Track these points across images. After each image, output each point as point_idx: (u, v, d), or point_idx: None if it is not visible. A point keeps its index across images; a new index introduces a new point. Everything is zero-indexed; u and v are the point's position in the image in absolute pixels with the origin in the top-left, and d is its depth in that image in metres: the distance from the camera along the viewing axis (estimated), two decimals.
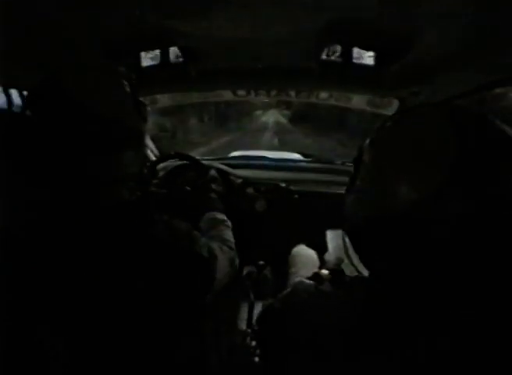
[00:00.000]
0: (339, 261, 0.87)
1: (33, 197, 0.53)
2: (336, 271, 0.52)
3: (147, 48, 0.94)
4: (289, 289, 0.56)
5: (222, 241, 0.74)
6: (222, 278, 0.67)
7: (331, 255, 0.93)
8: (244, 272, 1.40)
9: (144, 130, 0.64)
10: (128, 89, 0.60)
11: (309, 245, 1.09)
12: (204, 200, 0.93)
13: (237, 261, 0.76)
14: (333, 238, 0.98)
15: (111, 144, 0.56)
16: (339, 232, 0.97)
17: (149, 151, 1.75)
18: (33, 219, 0.52)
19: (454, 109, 0.39)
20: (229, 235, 0.79)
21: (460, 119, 0.37)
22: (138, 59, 0.94)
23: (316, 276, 0.75)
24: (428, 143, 0.37)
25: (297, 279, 0.81)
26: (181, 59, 0.97)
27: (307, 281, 0.56)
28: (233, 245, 0.77)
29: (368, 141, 0.44)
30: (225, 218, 0.86)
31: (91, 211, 0.54)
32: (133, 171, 0.62)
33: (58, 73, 0.56)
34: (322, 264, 0.96)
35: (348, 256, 0.52)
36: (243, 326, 1.21)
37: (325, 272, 0.79)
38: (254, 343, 1.06)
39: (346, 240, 0.51)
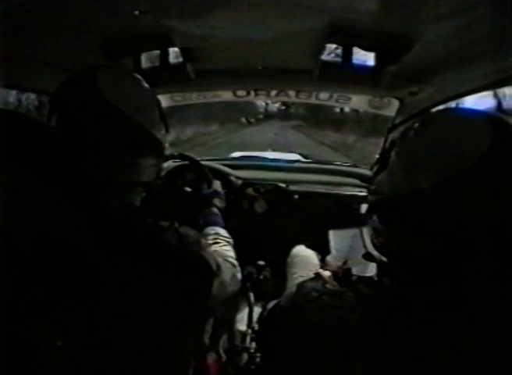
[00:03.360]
0: (342, 262, 0.87)
1: (46, 198, 0.52)
2: (344, 270, 0.52)
3: (147, 49, 0.94)
4: (292, 289, 0.56)
5: (225, 257, 0.74)
6: (224, 292, 0.67)
7: (334, 257, 0.93)
8: (244, 272, 1.39)
9: (166, 139, 0.65)
10: (155, 96, 0.62)
11: (309, 246, 1.09)
12: (207, 214, 0.93)
13: (239, 278, 0.76)
14: (336, 239, 0.98)
15: (135, 148, 0.57)
16: (343, 233, 0.97)
17: None
18: (45, 219, 0.52)
19: (490, 115, 0.43)
20: (231, 251, 0.80)
21: (495, 119, 0.41)
22: (138, 60, 0.95)
23: (318, 277, 0.75)
24: (461, 137, 0.40)
25: (299, 279, 0.81)
26: (181, 60, 0.97)
27: (310, 282, 0.56)
28: (236, 262, 0.77)
29: (401, 134, 0.48)
30: (228, 234, 0.86)
31: (101, 214, 0.54)
32: (149, 178, 0.62)
33: (91, 74, 0.56)
34: (323, 265, 0.96)
35: (365, 247, 0.53)
36: (242, 327, 1.21)
37: (326, 273, 0.79)
38: (253, 344, 1.06)
39: (364, 235, 0.52)
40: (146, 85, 0.63)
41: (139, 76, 0.64)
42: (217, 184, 1.06)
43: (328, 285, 0.49)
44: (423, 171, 0.41)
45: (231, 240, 0.85)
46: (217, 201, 0.98)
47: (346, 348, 0.40)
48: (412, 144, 0.45)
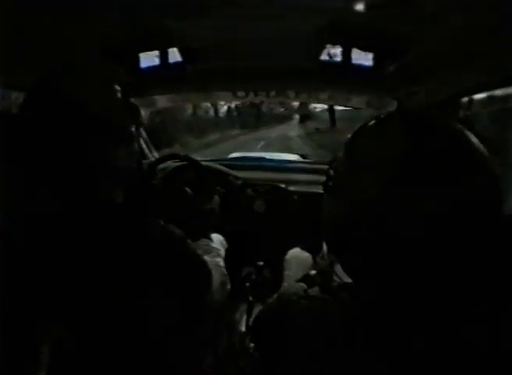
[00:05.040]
0: (332, 262, 0.87)
1: (29, 197, 0.52)
2: (324, 273, 0.52)
3: (146, 49, 0.94)
4: (279, 293, 0.56)
5: (215, 266, 0.75)
6: (212, 299, 0.67)
7: (324, 256, 0.93)
8: (243, 273, 1.39)
9: (134, 130, 0.65)
10: (117, 88, 0.62)
11: (305, 248, 1.09)
12: (203, 229, 0.94)
13: (228, 287, 0.77)
14: None
15: (99, 142, 0.57)
16: None
17: (148, 153, 1.75)
18: (32, 218, 0.52)
19: (408, 115, 0.43)
20: (221, 262, 0.82)
21: (413, 122, 0.40)
22: (137, 60, 0.94)
23: (306, 278, 0.75)
24: (383, 147, 0.40)
25: (287, 282, 0.81)
26: (180, 60, 0.97)
27: (297, 285, 0.56)
28: (226, 272, 0.78)
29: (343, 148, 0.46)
30: (218, 246, 0.89)
31: (86, 211, 0.54)
32: (126, 170, 0.62)
33: (52, 73, 0.57)
34: (314, 264, 0.96)
35: None
36: (241, 327, 1.21)
37: (313, 272, 0.79)
38: (252, 344, 1.06)
39: None
40: (107, 77, 0.63)
41: (103, 71, 0.64)
42: (216, 202, 1.06)
43: (310, 291, 0.49)
44: (358, 178, 0.41)
45: (222, 251, 0.87)
46: (213, 219, 1.00)
47: (327, 352, 0.40)
48: (352, 148, 0.44)
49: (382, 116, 0.46)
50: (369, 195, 0.38)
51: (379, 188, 0.38)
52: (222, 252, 0.88)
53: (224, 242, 0.99)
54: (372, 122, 0.45)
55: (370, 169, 0.39)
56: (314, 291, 0.49)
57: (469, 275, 0.37)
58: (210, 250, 0.83)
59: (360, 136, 0.45)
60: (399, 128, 0.40)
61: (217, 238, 0.98)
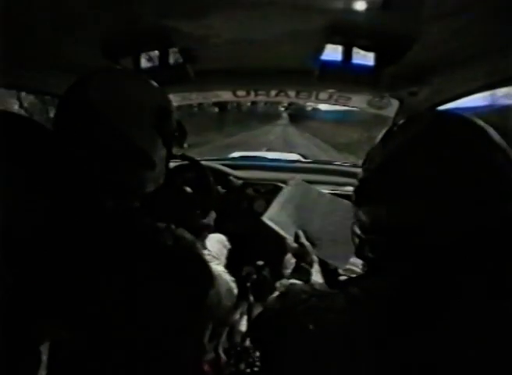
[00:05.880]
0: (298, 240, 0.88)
1: (37, 201, 0.53)
2: (332, 271, 0.52)
3: (147, 49, 0.94)
4: (282, 291, 0.56)
5: (221, 273, 0.74)
6: (219, 304, 0.67)
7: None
8: (243, 272, 1.39)
9: (161, 156, 0.63)
10: (157, 112, 0.59)
11: None
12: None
13: (235, 294, 0.76)
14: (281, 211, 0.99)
15: (119, 162, 0.56)
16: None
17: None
18: (38, 223, 0.52)
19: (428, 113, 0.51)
20: (224, 270, 0.81)
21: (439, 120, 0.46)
22: (138, 60, 0.94)
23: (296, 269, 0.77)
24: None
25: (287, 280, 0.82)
26: (180, 60, 0.97)
27: (299, 283, 0.56)
28: (232, 279, 0.77)
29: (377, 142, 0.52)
30: (219, 256, 0.88)
31: (95, 215, 0.54)
32: (144, 188, 0.62)
33: (90, 83, 0.56)
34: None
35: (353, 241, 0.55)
36: (242, 327, 1.21)
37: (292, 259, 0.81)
38: (253, 344, 1.06)
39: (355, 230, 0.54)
40: (148, 90, 0.61)
41: (145, 80, 0.62)
42: (211, 218, 1.06)
43: (317, 287, 0.49)
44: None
45: (222, 260, 0.87)
46: (206, 233, 0.99)
47: (338, 350, 0.40)
48: (376, 146, 0.50)
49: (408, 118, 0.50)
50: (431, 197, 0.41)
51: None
52: (223, 260, 0.87)
53: (226, 242, 0.99)
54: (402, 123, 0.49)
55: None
56: (321, 286, 0.49)
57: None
58: (212, 259, 0.81)
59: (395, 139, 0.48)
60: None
61: (219, 238, 0.97)
